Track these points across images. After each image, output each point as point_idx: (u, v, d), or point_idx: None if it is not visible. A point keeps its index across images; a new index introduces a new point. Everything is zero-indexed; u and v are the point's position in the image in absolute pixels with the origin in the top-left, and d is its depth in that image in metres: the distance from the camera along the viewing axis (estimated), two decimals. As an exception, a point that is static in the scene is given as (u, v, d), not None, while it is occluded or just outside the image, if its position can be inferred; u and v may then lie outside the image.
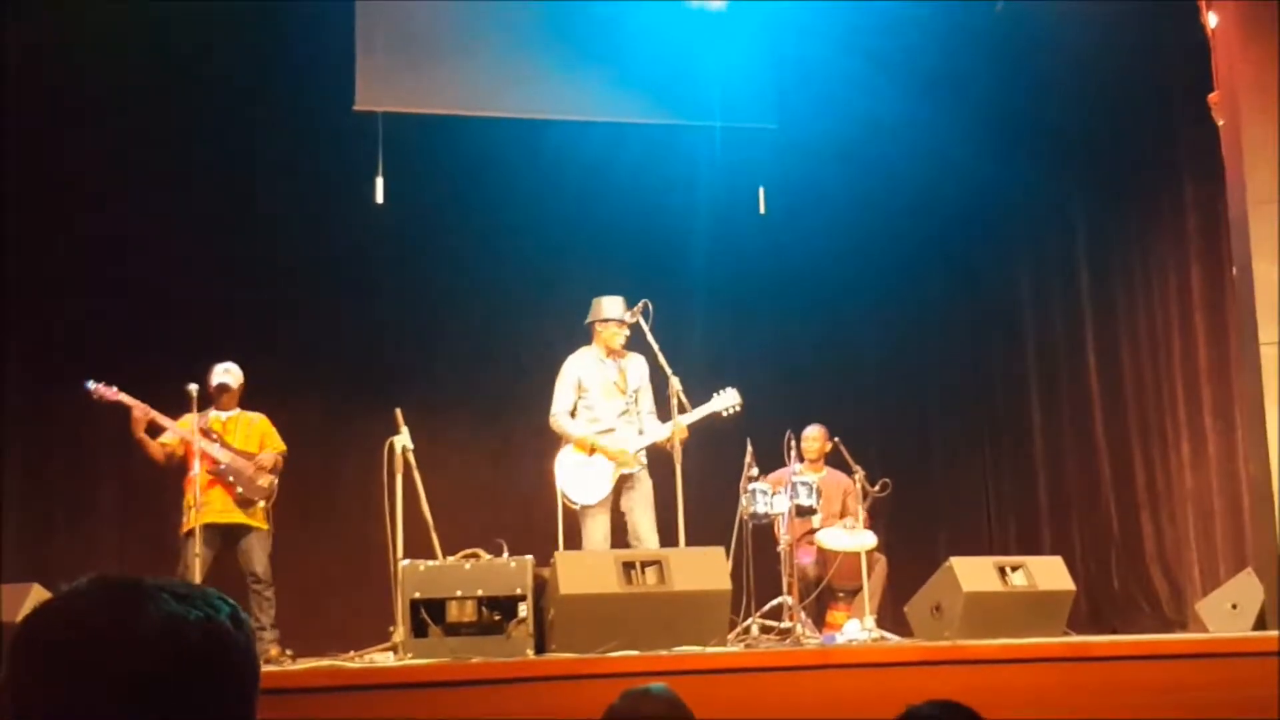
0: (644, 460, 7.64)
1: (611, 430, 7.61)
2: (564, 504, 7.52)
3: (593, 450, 7.56)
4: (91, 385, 7.39)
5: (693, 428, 7.56)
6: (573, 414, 7.66)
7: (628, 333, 7.67)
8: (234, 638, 1.27)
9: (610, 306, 7.70)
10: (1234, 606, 6.83)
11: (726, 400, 7.61)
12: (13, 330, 9.15)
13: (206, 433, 7.50)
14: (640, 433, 7.64)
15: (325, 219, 9.75)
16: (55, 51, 8.78)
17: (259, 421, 7.75)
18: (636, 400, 7.70)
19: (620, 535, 7.59)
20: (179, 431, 7.42)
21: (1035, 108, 9.91)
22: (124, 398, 7.39)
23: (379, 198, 9.15)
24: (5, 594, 6.07)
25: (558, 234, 9.97)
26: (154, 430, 7.48)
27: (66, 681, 1.20)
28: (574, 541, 7.46)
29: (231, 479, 7.47)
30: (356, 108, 9.17)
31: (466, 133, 9.65)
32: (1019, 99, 9.86)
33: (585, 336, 7.91)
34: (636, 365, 7.74)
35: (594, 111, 9.70)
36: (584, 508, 7.52)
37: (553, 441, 7.78)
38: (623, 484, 7.57)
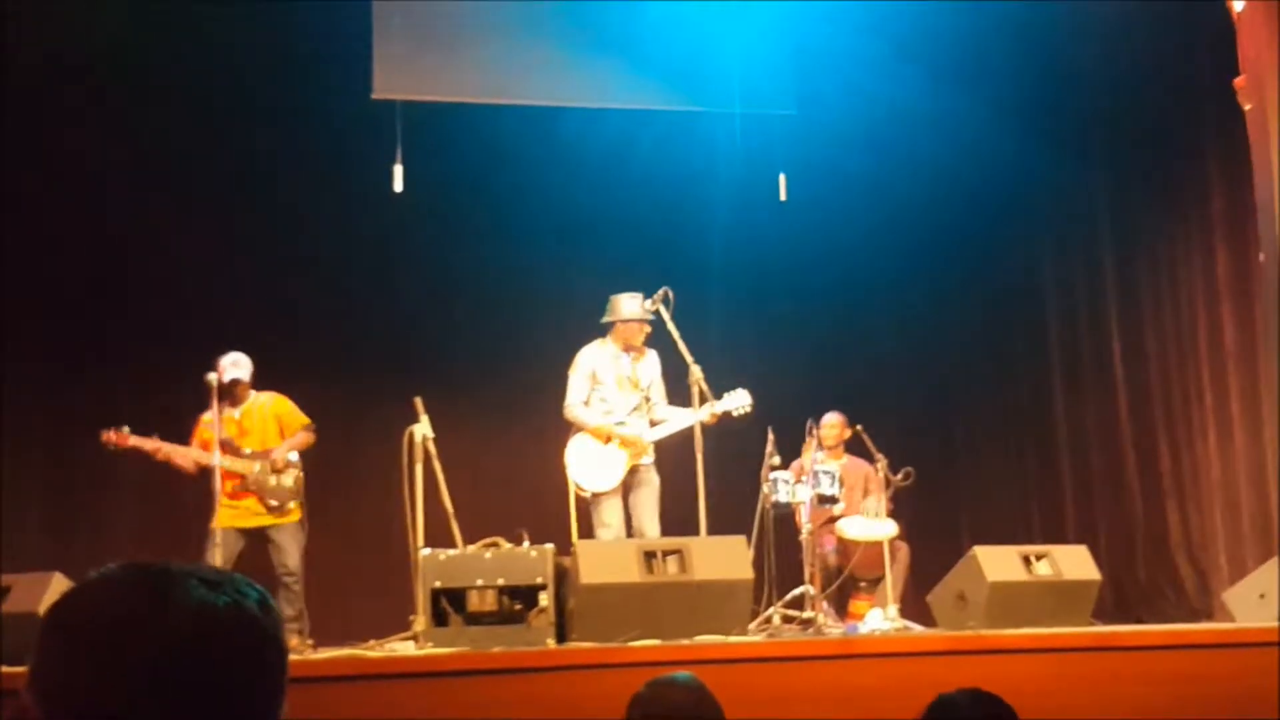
0: (652, 455, 7.69)
1: (623, 424, 7.66)
2: (576, 493, 7.56)
3: (609, 439, 7.59)
4: (104, 437, 7.35)
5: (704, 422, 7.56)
6: (586, 404, 7.70)
7: (648, 330, 7.69)
8: (262, 624, 1.26)
9: (631, 305, 7.71)
10: (1261, 596, 6.75)
11: (737, 400, 7.60)
12: (34, 324, 9.17)
13: (224, 445, 7.43)
14: (651, 425, 7.69)
15: (344, 207, 9.75)
16: (67, 43, 8.76)
17: (274, 403, 7.70)
18: (649, 396, 7.75)
19: (625, 529, 7.63)
20: (203, 459, 7.37)
21: (1058, 92, 9.83)
22: (135, 442, 7.37)
23: (398, 186, 9.14)
24: (27, 584, 6.08)
25: (576, 221, 9.94)
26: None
27: (95, 667, 1.20)
28: (586, 531, 7.49)
29: (257, 490, 7.46)
30: (375, 96, 9.16)
31: (485, 120, 9.63)
32: (1041, 83, 9.79)
33: (600, 324, 7.92)
34: (650, 362, 7.79)
35: (613, 98, 9.67)
36: (595, 495, 7.56)
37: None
38: (631, 477, 7.62)
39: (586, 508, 7.63)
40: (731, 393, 7.59)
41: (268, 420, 7.65)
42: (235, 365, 7.56)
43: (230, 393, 7.52)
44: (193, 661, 1.20)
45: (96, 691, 1.19)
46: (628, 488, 7.63)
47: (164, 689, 1.19)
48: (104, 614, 1.22)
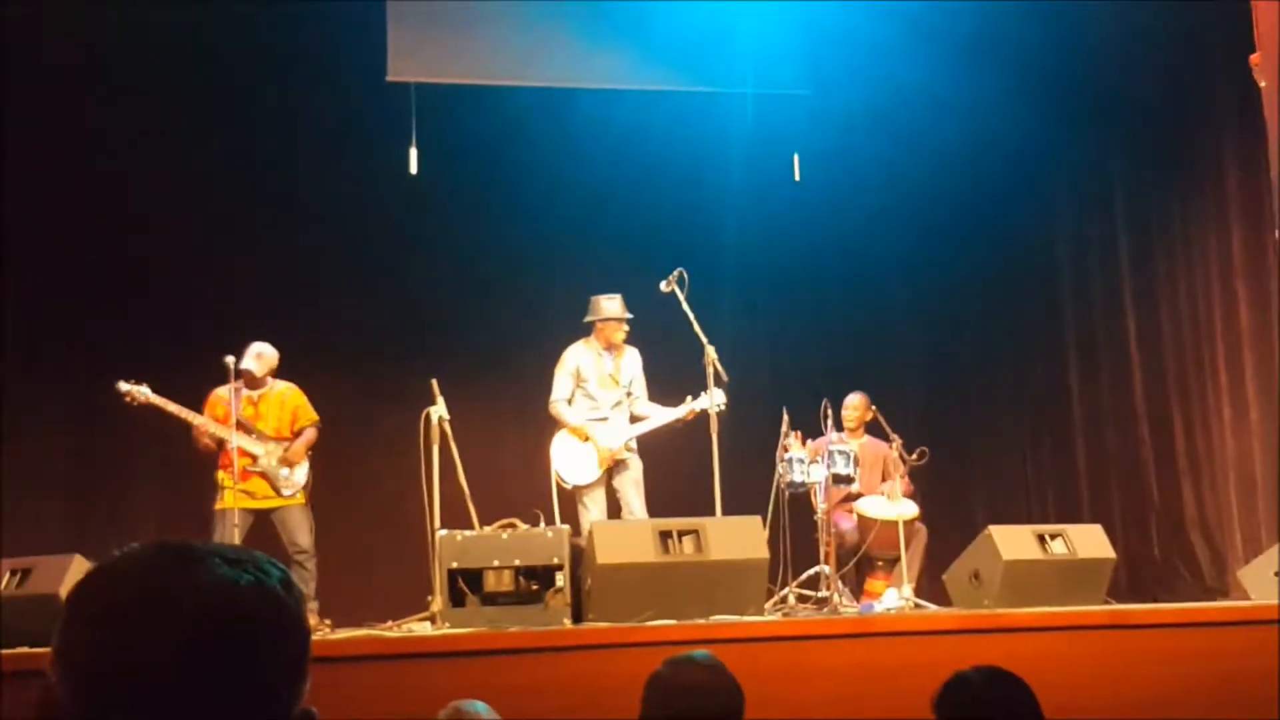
0: (633, 445, 7.92)
1: (605, 419, 7.89)
2: (558, 484, 7.74)
3: (586, 439, 7.84)
4: (123, 388, 7.35)
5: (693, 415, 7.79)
6: (570, 401, 7.93)
7: (627, 329, 7.94)
8: (285, 602, 1.26)
9: (610, 305, 7.96)
10: (1276, 574, 6.74)
11: (714, 399, 7.66)
12: (50, 307, 9.21)
13: (240, 424, 7.47)
14: (633, 420, 7.95)
15: (360, 190, 9.77)
16: (82, 25, 8.77)
17: (291, 395, 7.75)
18: (630, 392, 8.00)
19: (614, 513, 7.82)
20: (223, 433, 7.40)
21: (1072, 71, 9.78)
22: (156, 400, 7.37)
23: (413, 168, 9.15)
24: (48, 565, 6.12)
25: (591, 203, 9.94)
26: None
27: (119, 645, 1.20)
28: (569, 518, 7.58)
29: (267, 474, 7.49)
30: (389, 79, 9.16)
31: (499, 102, 9.63)
32: (1056, 62, 9.74)
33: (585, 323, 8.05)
34: (631, 360, 8.05)
35: (626, 80, 9.65)
36: (576, 487, 7.79)
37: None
38: (614, 466, 7.86)
39: (569, 498, 7.81)
40: (708, 392, 7.64)
41: (284, 409, 7.71)
42: (257, 358, 7.61)
43: (245, 379, 7.59)
44: (216, 640, 1.21)
45: (120, 670, 1.19)
46: (611, 475, 7.87)
47: (188, 667, 1.19)
48: (127, 593, 1.22)
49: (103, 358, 8.96)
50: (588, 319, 8.01)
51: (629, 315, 7.92)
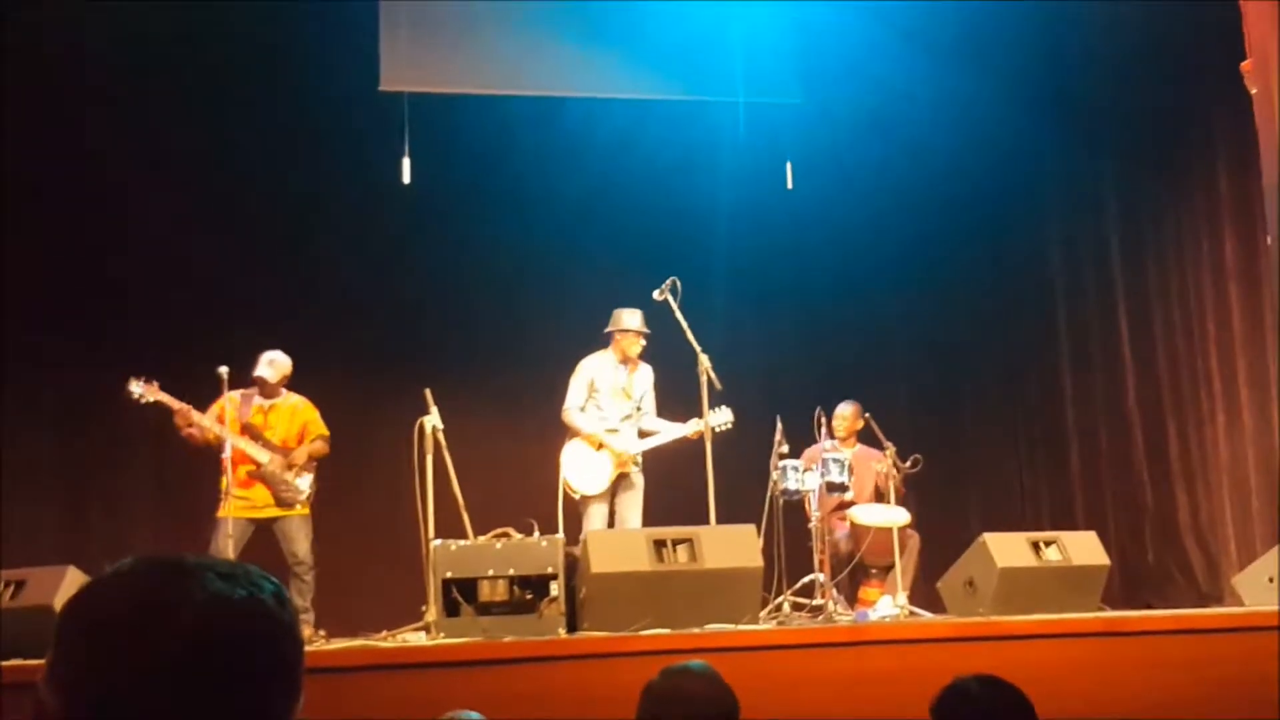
0: (639, 461, 7.97)
1: (616, 431, 7.93)
2: (565, 492, 7.78)
3: (600, 446, 7.86)
4: (134, 387, 7.35)
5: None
6: (582, 410, 7.97)
7: (644, 343, 7.97)
8: (278, 616, 1.26)
9: (631, 319, 7.99)
10: (1271, 580, 6.76)
11: (720, 418, 7.79)
12: (44, 313, 9.20)
13: (247, 428, 7.48)
14: (641, 435, 7.99)
15: (353, 199, 9.77)
16: (80, 31, 8.77)
17: (303, 408, 7.74)
18: (640, 407, 8.06)
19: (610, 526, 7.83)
20: (219, 431, 7.40)
21: (1065, 76, 9.82)
22: (165, 398, 7.37)
23: (406, 178, 9.15)
24: (42, 577, 6.11)
25: (583, 212, 9.95)
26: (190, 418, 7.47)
27: (112, 662, 1.19)
28: (571, 526, 7.60)
29: (269, 482, 7.48)
30: (382, 88, 9.17)
31: (492, 112, 9.65)
32: (1049, 69, 9.77)
33: (607, 314, 8.05)
34: (644, 375, 8.11)
35: (617, 88, 9.69)
36: (584, 497, 7.82)
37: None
38: (618, 481, 7.89)
39: (573, 505, 7.84)
40: (716, 410, 7.72)
41: (294, 421, 7.70)
42: (269, 365, 7.63)
43: (259, 387, 7.59)
44: (210, 654, 1.20)
45: (114, 685, 1.19)
46: (615, 489, 7.91)
47: (182, 682, 1.19)
48: (121, 607, 1.21)
49: (97, 366, 8.95)
50: (607, 330, 8.05)
51: (647, 330, 7.96)
